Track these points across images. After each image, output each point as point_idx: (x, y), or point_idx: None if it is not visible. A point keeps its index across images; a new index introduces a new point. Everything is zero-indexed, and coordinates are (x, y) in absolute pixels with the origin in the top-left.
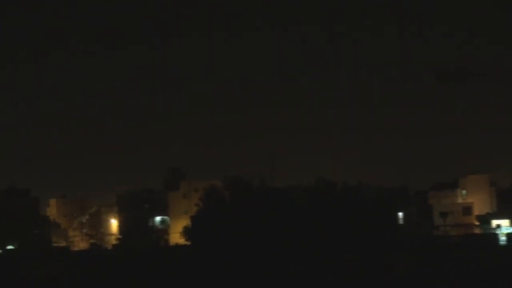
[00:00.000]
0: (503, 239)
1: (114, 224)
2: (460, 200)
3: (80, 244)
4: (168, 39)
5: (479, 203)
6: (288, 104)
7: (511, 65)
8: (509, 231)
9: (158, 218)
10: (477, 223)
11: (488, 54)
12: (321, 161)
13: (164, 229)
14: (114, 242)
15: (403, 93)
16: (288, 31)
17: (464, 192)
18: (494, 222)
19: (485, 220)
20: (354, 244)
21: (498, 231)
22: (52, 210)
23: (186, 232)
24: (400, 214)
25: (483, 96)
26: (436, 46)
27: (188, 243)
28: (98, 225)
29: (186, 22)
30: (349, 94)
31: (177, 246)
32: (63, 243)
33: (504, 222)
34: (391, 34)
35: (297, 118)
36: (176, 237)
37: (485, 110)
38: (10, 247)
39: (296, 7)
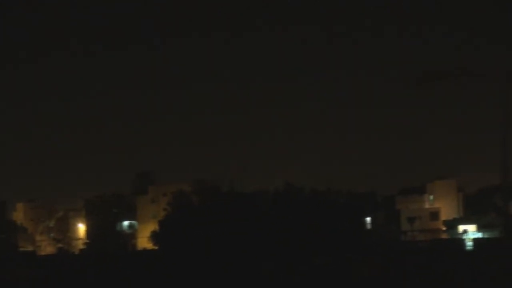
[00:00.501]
0: (469, 244)
1: (81, 228)
2: (427, 205)
3: (47, 248)
4: (168, 39)
5: (446, 208)
6: (288, 104)
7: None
8: (475, 236)
9: (126, 223)
10: (444, 228)
11: (488, 54)
12: (317, 163)
13: (132, 234)
14: (81, 246)
15: (403, 93)
16: (288, 31)
17: (431, 197)
18: (461, 227)
19: (452, 225)
20: (322, 249)
21: (464, 236)
22: (19, 214)
23: (154, 236)
24: (368, 219)
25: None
26: (436, 46)
27: (156, 247)
28: (65, 229)
29: (186, 22)
30: (349, 94)
31: (145, 250)
32: (30, 248)
33: (471, 227)
34: (391, 34)
35: (297, 118)
36: (144, 242)
37: (455, 113)
38: None
39: (296, 7)
